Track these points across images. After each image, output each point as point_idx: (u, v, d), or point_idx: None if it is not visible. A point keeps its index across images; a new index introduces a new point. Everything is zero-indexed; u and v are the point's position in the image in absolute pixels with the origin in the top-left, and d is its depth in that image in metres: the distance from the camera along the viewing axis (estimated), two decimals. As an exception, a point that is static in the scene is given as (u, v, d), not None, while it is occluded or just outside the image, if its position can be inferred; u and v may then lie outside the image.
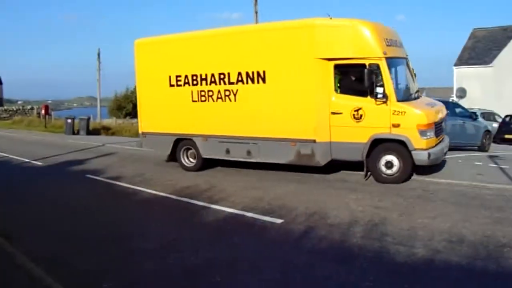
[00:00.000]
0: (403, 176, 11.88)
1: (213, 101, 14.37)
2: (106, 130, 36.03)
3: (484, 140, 21.17)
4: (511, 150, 22.72)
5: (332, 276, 5.52)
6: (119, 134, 33.05)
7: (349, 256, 6.22)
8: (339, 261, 6.03)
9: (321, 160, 12.56)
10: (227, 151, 14.13)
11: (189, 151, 15.23)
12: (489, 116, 32.54)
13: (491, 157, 17.90)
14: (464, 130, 20.42)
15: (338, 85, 12.55)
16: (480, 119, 25.45)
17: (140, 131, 16.31)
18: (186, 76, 14.87)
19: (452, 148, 18.68)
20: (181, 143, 15.28)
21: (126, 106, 56.44)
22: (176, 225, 8.33)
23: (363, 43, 12.23)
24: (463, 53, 45.71)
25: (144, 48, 15.90)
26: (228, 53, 14.06)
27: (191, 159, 15.19)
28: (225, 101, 14.12)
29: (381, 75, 11.95)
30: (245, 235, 7.50)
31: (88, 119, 34.88)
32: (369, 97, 12.04)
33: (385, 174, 12.01)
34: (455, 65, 44.97)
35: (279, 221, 8.13)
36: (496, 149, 22.49)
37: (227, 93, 14.08)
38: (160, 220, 8.80)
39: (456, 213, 8.44)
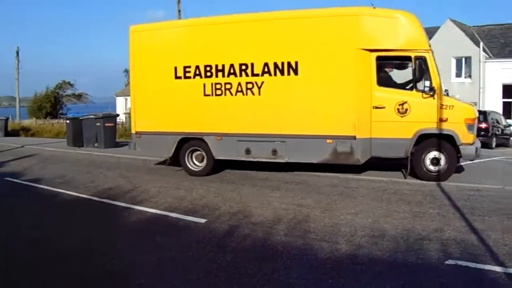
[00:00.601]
0: (449, 173, 11.75)
1: (232, 95, 12.93)
2: (25, 131, 35.00)
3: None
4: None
5: (256, 274, 5.52)
6: (39, 135, 32.14)
7: (273, 254, 6.24)
8: (263, 259, 6.04)
9: (361, 157, 11.91)
10: (247, 151, 12.80)
11: (196, 153, 13.62)
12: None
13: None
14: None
15: (379, 78, 11.95)
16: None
17: (133, 131, 14.31)
18: (197, 67, 13.30)
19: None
20: (187, 143, 13.60)
21: (46, 106, 54.89)
22: (99, 228, 8.06)
23: (409, 35, 11.82)
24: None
25: (142, 35, 14.17)
26: (252, 42, 12.85)
27: (197, 162, 13.56)
28: (246, 94, 12.78)
29: (428, 68, 11.58)
30: (168, 236, 7.39)
31: (7, 119, 33.44)
32: (414, 90, 11.69)
33: (430, 171, 11.79)
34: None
35: (202, 220, 8.06)
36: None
37: (249, 86, 12.75)
38: (81, 222, 8.49)
39: (377, 209, 8.65)
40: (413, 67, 11.64)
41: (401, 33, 11.78)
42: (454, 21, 41.83)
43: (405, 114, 11.63)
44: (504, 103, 38.93)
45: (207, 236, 7.22)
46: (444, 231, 7.18)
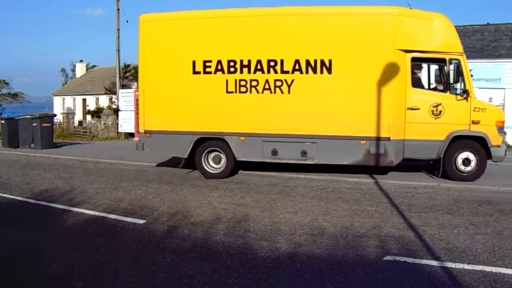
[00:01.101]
0: (479, 173, 11.77)
1: (258, 92, 12.16)
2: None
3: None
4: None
5: (197, 275, 5.46)
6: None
7: (213, 254, 6.18)
8: (204, 259, 5.98)
9: (395, 159, 11.77)
10: (274, 152, 12.13)
11: (212, 154, 12.72)
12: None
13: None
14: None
15: (413, 79, 11.94)
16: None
17: (141, 130, 13.11)
18: (219, 62, 12.39)
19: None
20: (204, 143, 12.65)
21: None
22: (35, 231, 7.77)
23: (445, 37, 11.77)
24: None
25: (154, 26, 13.01)
26: (282, 37, 12.17)
27: (214, 164, 12.67)
28: (274, 92, 12.07)
29: (462, 71, 11.61)
30: (107, 238, 7.22)
31: None
32: (448, 92, 11.71)
33: (461, 171, 11.82)
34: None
35: (141, 221, 7.92)
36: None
37: (278, 83, 12.06)
38: (17, 226, 8.15)
39: (316, 207, 8.71)
40: (448, 70, 11.68)
41: (436, 35, 11.76)
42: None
43: (439, 116, 11.66)
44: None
45: (147, 237, 7.11)
46: (382, 228, 7.30)
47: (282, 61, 11.89)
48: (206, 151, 12.60)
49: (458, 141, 11.72)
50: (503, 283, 5.18)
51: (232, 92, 12.18)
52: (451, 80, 11.62)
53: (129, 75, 36.50)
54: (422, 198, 9.62)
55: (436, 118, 11.61)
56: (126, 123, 26.87)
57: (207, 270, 5.61)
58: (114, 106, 30.62)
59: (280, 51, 11.97)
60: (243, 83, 12.12)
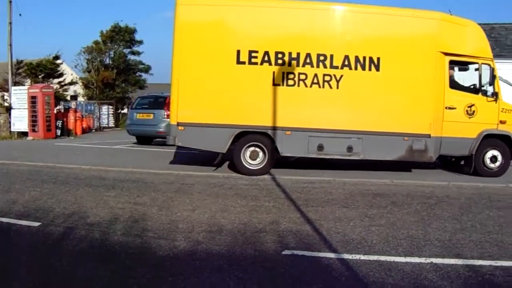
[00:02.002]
0: (504, 170, 12.79)
1: (306, 86, 12.01)
2: None
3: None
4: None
5: (95, 277, 5.27)
6: None
7: (111, 255, 6.00)
8: (102, 261, 5.79)
9: (434, 155, 12.54)
10: (320, 147, 12.12)
11: (250, 149, 12.32)
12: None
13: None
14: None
15: (451, 80, 12.66)
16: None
17: (173, 122, 12.15)
18: (266, 53, 12.00)
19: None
20: (245, 138, 12.24)
21: None
22: None
23: (479, 43, 12.65)
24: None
25: (193, 10, 12.30)
26: (332, 32, 12.32)
27: (250, 160, 12.33)
28: (323, 87, 12.01)
29: (492, 75, 12.50)
30: (0, 242, 6.85)
31: None
32: (480, 94, 12.64)
33: (489, 168, 12.82)
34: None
35: (36, 224, 7.53)
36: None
37: (327, 78, 12.01)
38: None
39: (214, 204, 8.69)
40: (480, 73, 12.59)
41: (470, 40, 12.63)
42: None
43: (472, 116, 12.56)
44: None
45: (42, 240, 6.78)
46: (280, 223, 7.39)
47: (331, 56, 11.98)
48: (246, 145, 12.28)
49: (487, 140, 12.72)
50: (397, 271, 5.40)
51: (278, 84, 11.96)
52: (483, 83, 12.65)
53: (22, 71, 34.89)
54: (318, 193, 9.87)
55: (469, 118, 12.58)
56: (19, 122, 25.67)
57: (105, 271, 5.43)
58: (6, 104, 29.14)
59: (330, 45, 12.08)
60: (291, 76, 11.97)
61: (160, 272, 5.37)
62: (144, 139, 20.38)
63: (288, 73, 11.97)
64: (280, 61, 11.97)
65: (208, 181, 11.09)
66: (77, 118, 28.84)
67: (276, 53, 11.97)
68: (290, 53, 11.98)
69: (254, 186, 10.57)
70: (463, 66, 13.11)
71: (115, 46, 43.23)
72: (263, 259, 5.77)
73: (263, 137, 12.17)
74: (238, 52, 11.94)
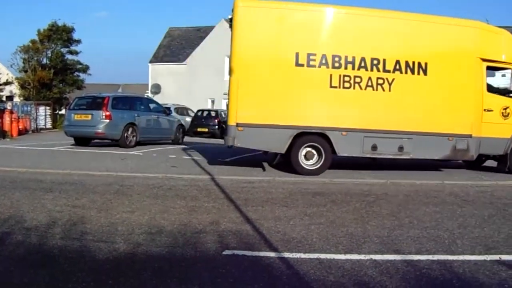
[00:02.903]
0: None
1: (361, 89, 12.70)
2: None
3: (177, 134, 22.24)
4: (202, 143, 24.15)
5: (33, 283, 5.16)
6: None
7: (49, 260, 5.88)
8: (40, 266, 5.67)
9: (474, 154, 13.73)
10: (374, 147, 12.90)
11: (305, 150, 12.85)
12: (182, 111, 34.47)
13: (184, 149, 18.83)
14: (158, 124, 21.13)
15: (487, 84, 13.87)
16: (173, 113, 26.72)
17: (232, 123, 12.44)
18: (324, 56, 12.58)
19: (147, 143, 19.24)
20: (303, 138, 12.72)
21: None
22: None
23: (510, 50, 13.80)
24: (158, 51, 47.51)
25: (253, 11, 12.71)
26: (384, 38, 13.02)
27: (305, 160, 12.88)
28: (376, 90, 12.78)
29: None
30: None
31: None
32: None
33: None
34: (151, 62, 46.51)
35: (-33, 230, 7.36)
36: (189, 142, 23.72)
37: (380, 81, 12.78)
38: None
39: (154, 205, 8.65)
40: None
41: (505, 48, 13.75)
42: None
43: (507, 117, 13.90)
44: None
45: (-25, 247, 6.59)
46: (220, 223, 7.42)
47: (384, 60, 12.80)
48: (303, 146, 12.77)
49: None
50: (338, 268, 5.50)
51: (335, 87, 12.58)
52: None
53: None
54: (258, 192, 9.96)
55: (505, 119, 13.90)
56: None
57: (44, 276, 5.33)
58: None
59: (382, 50, 12.88)
60: (347, 78, 12.61)
61: (100, 276, 5.32)
62: (82, 140, 20.09)
63: (345, 75, 12.63)
64: (336, 64, 12.63)
65: (147, 182, 11.02)
66: (13, 119, 27.96)
67: (333, 56, 12.61)
68: (346, 57, 12.65)
69: (194, 186, 10.57)
70: (497, 71, 14.57)
71: (53, 45, 42.24)
72: (203, 260, 5.79)
73: (320, 138, 12.79)
74: (297, 54, 12.48)
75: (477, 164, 15.48)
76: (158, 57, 47.19)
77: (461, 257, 6.04)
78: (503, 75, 15.96)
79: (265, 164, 14.35)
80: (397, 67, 12.90)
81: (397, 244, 6.60)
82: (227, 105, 13.12)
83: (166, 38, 49.55)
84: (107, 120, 18.65)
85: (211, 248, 6.19)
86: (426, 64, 13.02)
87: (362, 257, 5.95)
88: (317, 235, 6.87)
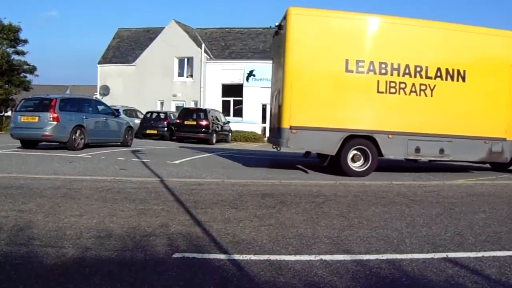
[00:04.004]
0: None
1: (405, 94, 13.52)
2: None
3: (126, 136, 22.02)
4: (151, 145, 24.02)
5: (-24, 291, 5.07)
6: None
7: (-5, 266, 5.78)
8: (-16, 273, 5.56)
9: (508, 157, 14.65)
10: (417, 150, 13.69)
11: (353, 153, 13.64)
12: (131, 112, 34.22)
13: (133, 152, 18.70)
14: (107, 126, 20.88)
15: None
16: (122, 115, 26.48)
17: (285, 126, 13.13)
18: (371, 63, 13.38)
19: (96, 145, 19.00)
20: (351, 141, 13.48)
21: None
22: None
23: None
24: (107, 52, 46.96)
25: (305, 19, 13.35)
26: (426, 46, 13.83)
27: (355, 162, 13.73)
28: (419, 95, 13.60)
29: None
30: None
31: None
32: None
33: None
34: (99, 63, 45.92)
35: None
36: (138, 144, 23.52)
37: (422, 87, 13.60)
38: None
39: (102, 209, 8.55)
40: None
41: None
42: (178, 23, 43.65)
43: None
44: (223, 101, 41.77)
45: None
46: (169, 226, 7.41)
47: (426, 67, 13.67)
48: (352, 148, 13.53)
49: None
50: (288, 269, 5.57)
51: (382, 92, 13.36)
52: None
53: None
54: (207, 194, 9.96)
55: None
56: None
57: (-12, 284, 5.23)
58: None
59: (425, 58, 13.74)
60: (392, 84, 13.40)
61: (48, 282, 5.25)
62: (29, 143, 19.66)
63: (390, 81, 13.45)
64: (383, 71, 13.43)
65: (95, 185, 10.89)
66: (-44, 122, 27.21)
67: (380, 63, 13.42)
68: (392, 64, 13.47)
69: (143, 189, 10.50)
70: None
71: (-2, 45, 41.16)
72: (153, 263, 5.77)
73: (368, 141, 13.55)
74: (347, 61, 13.26)
75: (503, 167, 16.30)
76: (107, 58, 46.59)
77: (409, 256, 6.21)
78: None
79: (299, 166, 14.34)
80: (438, 74, 13.79)
81: (346, 244, 6.71)
82: (279, 109, 13.83)
83: (115, 39, 48.98)
84: (55, 122, 18.31)
85: (161, 251, 6.17)
86: (464, 71, 13.93)
87: (312, 257, 6.02)
88: (267, 237, 6.92)
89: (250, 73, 41.12)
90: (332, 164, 14.43)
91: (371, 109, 13.68)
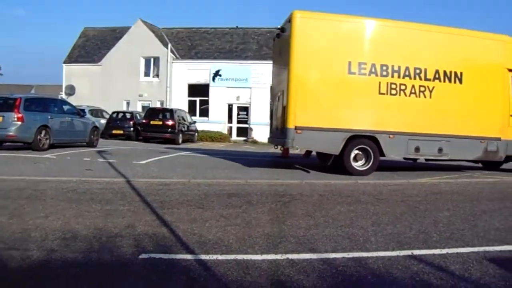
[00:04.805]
0: None
1: (406, 95, 13.98)
2: None
3: (92, 136, 21.80)
4: (117, 145, 23.84)
5: None
6: None
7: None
8: None
9: (503, 155, 15.26)
10: (417, 149, 14.20)
11: (355, 152, 14.01)
12: (97, 112, 33.87)
13: (99, 152, 18.54)
14: (72, 127, 20.65)
15: None
16: (88, 115, 26.20)
17: (291, 126, 13.46)
18: (373, 65, 13.76)
19: (61, 146, 18.78)
20: (354, 141, 13.87)
21: None
22: None
23: None
24: (73, 51, 46.40)
25: (309, 22, 13.78)
26: (424, 49, 14.36)
27: (357, 162, 14.13)
28: (419, 96, 14.09)
29: None
30: None
31: None
32: None
33: None
34: (65, 62, 45.36)
35: None
36: (104, 144, 23.31)
37: (422, 88, 14.09)
38: None
39: (68, 210, 8.46)
40: None
41: None
42: (144, 22, 43.38)
43: None
44: (190, 101, 41.66)
45: None
46: (136, 226, 7.38)
47: (425, 70, 14.17)
48: (355, 148, 13.92)
49: None
50: (255, 269, 5.61)
51: (384, 93, 13.81)
52: None
53: None
54: (173, 195, 9.95)
55: None
56: None
57: (-51, 289, 5.16)
58: None
59: (424, 61, 14.23)
60: (393, 86, 13.85)
61: (12, 285, 5.21)
62: (-7, 144, 19.30)
63: (392, 83, 13.88)
64: (385, 73, 13.86)
65: (61, 186, 10.77)
66: None
67: (381, 65, 13.84)
68: (392, 66, 13.92)
69: (109, 190, 10.43)
70: None
71: (-41, 44, 40.33)
72: (120, 264, 5.76)
73: (370, 141, 13.96)
74: (350, 63, 13.68)
75: (495, 165, 17.14)
76: (72, 58, 45.98)
77: (375, 254, 6.31)
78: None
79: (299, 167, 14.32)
80: (437, 76, 14.32)
81: (313, 243, 6.78)
82: (284, 110, 14.07)
83: (81, 38, 48.38)
84: (19, 122, 18.02)
85: (128, 252, 6.15)
86: (461, 73, 14.50)
87: (278, 256, 6.07)
88: (234, 236, 6.95)
89: (216, 73, 41.07)
90: (335, 164, 14.81)
91: (373, 110, 14.11)
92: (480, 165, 17.97)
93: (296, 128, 13.54)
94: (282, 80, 14.74)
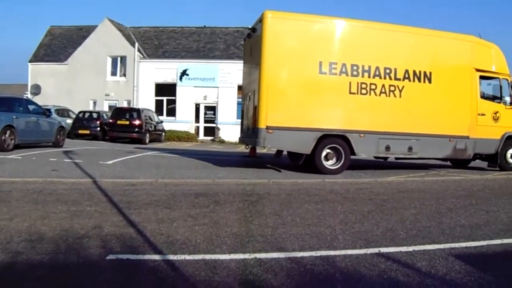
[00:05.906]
0: None
1: (376, 95, 14.22)
2: None
3: (58, 136, 21.55)
4: (84, 145, 23.63)
5: None
6: None
7: None
8: None
9: (471, 153, 15.83)
10: (387, 148, 14.49)
11: (326, 151, 14.14)
12: (63, 112, 33.50)
13: (65, 152, 18.36)
14: (38, 127, 20.38)
15: (480, 91, 15.90)
16: (54, 115, 25.89)
17: (262, 126, 13.54)
18: (343, 65, 13.95)
19: (26, 146, 18.54)
20: (325, 141, 13.99)
21: None
22: None
23: (501, 62, 16.18)
24: (39, 50, 45.80)
25: (280, 22, 13.84)
26: (394, 49, 14.67)
27: (328, 161, 14.30)
28: (389, 96, 14.36)
29: (510, 87, 16.35)
30: None
31: None
32: (501, 103, 16.27)
33: (509, 163, 16.52)
34: (30, 61, 44.76)
35: None
36: (71, 144, 23.07)
37: (392, 88, 14.36)
38: None
39: (33, 211, 8.34)
40: (500, 86, 16.24)
41: (494, 59, 16.00)
42: (111, 21, 43.02)
43: (497, 121, 16.07)
44: (157, 101, 41.49)
45: None
46: (103, 227, 7.32)
47: (395, 69, 14.46)
48: (326, 147, 14.08)
49: (509, 140, 16.30)
50: (223, 268, 5.62)
51: (354, 93, 14.05)
52: (503, 94, 16.33)
53: None
54: (140, 195, 9.91)
55: (495, 122, 16.07)
56: None
57: None
58: None
59: (393, 60, 14.52)
60: (364, 85, 14.09)
61: (-23, 288, 5.14)
62: (-45, 145, 18.89)
63: (362, 83, 14.13)
64: (355, 73, 14.11)
65: (26, 187, 10.62)
66: None
67: (352, 65, 14.09)
68: (363, 66, 14.17)
69: (75, 190, 10.33)
70: (487, 80, 16.46)
71: None
72: (87, 266, 5.71)
73: (341, 140, 14.17)
74: (320, 63, 13.88)
75: (463, 164, 17.87)
76: (38, 57, 45.33)
77: (343, 252, 6.37)
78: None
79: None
80: (406, 75, 14.65)
81: (280, 242, 6.82)
82: (255, 109, 14.16)
83: (47, 36, 47.73)
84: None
85: (95, 253, 6.09)
86: (430, 73, 14.89)
87: (246, 256, 6.09)
88: (201, 236, 6.94)
89: (184, 73, 40.91)
90: (307, 163, 14.95)
91: (343, 110, 14.30)
92: (449, 163, 18.51)
93: (267, 128, 13.62)
94: (253, 80, 14.90)
